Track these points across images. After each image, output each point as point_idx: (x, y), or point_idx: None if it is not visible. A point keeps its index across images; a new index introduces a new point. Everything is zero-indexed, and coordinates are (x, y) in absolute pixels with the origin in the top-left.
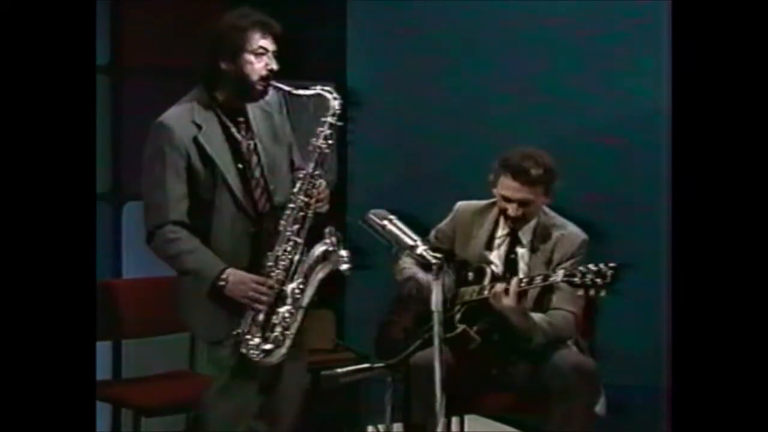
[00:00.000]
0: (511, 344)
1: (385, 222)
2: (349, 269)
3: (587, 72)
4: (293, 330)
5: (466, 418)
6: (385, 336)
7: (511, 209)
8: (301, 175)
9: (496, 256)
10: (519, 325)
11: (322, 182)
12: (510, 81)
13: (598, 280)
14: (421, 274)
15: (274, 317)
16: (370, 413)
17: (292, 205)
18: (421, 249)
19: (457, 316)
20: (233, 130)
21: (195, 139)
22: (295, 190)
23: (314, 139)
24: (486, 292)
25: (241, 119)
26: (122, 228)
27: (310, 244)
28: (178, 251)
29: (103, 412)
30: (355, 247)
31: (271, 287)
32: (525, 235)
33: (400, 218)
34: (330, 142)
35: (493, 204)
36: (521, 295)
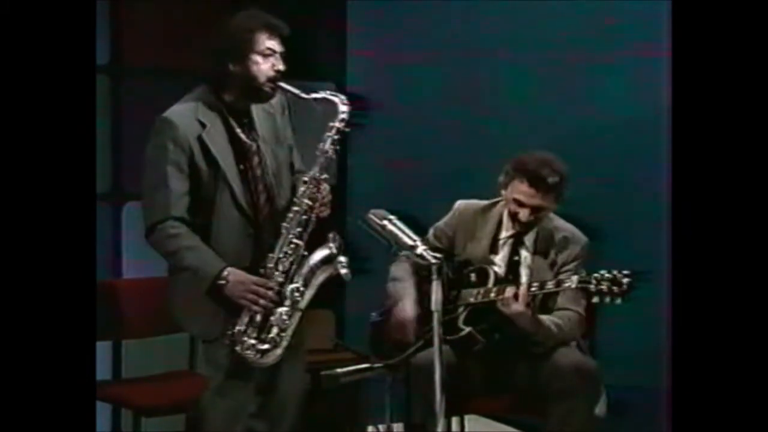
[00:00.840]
0: (515, 346)
1: (385, 222)
2: (348, 274)
3: (587, 72)
4: (290, 331)
5: (466, 418)
6: (377, 335)
7: (523, 214)
8: (305, 179)
9: (499, 258)
10: (529, 330)
11: (326, 187)
12: (510, 81)
13: (615, 288)
14: (391, 285)
15: (272, 318)
16: (370, 413)
17: (296, 208)
18: (420, 249)
19: (461, 318)
20: (238, 130)
21: (199, 137)
22: (299, 193)
23: (321, 144)
24: (492, 295)
25: (246, 120)
26: (122, 228)
27: (309, 248)
28: (178, 247)
29: (103, 412)
30: (355, 250)
31: (271, 289)
32: (528, 237)
33: (400, 218)
34: (337, 147)
35: (495, 204)
36: (531, 300)
